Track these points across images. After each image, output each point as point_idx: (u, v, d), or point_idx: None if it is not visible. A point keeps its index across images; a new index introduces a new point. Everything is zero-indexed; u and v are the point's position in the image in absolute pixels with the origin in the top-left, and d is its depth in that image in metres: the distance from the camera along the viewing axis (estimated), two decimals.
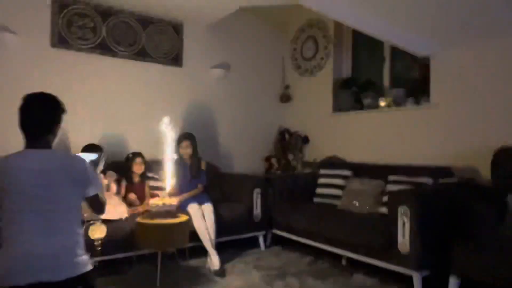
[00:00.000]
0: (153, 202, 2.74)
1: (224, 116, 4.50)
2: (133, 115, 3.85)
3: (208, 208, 3.26)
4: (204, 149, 3.94)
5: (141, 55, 3.88)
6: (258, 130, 4.78)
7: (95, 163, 1.83)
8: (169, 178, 2.89)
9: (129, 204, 3.20)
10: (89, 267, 1.51)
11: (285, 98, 4.94)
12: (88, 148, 3.12)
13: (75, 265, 1.45)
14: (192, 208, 3.19)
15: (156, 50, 3.98)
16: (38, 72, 3.35)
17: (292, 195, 3.77)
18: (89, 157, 1.80)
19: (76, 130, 3.41)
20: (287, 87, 4.95)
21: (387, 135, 3.79)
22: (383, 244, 2.63)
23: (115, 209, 2.90)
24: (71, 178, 1.48)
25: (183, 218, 2.80)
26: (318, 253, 3.33)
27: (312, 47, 4.66)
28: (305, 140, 4.72)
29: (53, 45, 3.42)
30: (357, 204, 3.25)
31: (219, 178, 3.98)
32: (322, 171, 3.89)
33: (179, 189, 3.36)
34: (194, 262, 3.17)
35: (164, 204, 2.70)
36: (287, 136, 4.83)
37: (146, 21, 3.91)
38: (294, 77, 4.90)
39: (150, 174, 3.52)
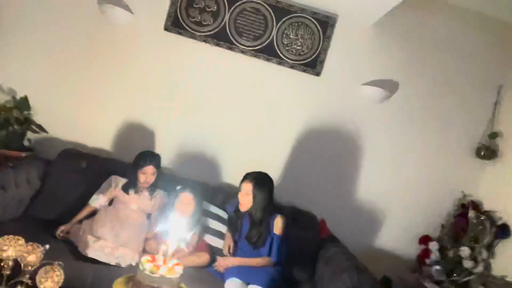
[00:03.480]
0: (145, 260, 1.69)
1: (368, 158, 3.00)
2: (231, 124, 2.95)
3: None
4: (318, 201, 2.84)
5: (266, 52, 2.91)
6: (420, 193, 3.03)
7: None
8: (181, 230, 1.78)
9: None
10: None
11: (487, 152, 2.96)
12: (145, 156, 2.44)
13: None
14: (229, 286, 2.01)
15: (287, 48, 2.93)
16: (144, 55, 2.89)
17: None
18: None
19: (164, 123, 2.91)
20: (493, 135, 2.96)
21: None
22: None
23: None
24: None
25: None
26: None
27: None
28: (504, 231, 2.70)
29: (166, 28, 2.90)
30: None
31: (323, 249, 2.58)
32: None
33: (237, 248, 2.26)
34: None
35: (155, 273, 1.60)
36: (471, 213, 2.87)
37: (283, 10, 2.91)
38: None
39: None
